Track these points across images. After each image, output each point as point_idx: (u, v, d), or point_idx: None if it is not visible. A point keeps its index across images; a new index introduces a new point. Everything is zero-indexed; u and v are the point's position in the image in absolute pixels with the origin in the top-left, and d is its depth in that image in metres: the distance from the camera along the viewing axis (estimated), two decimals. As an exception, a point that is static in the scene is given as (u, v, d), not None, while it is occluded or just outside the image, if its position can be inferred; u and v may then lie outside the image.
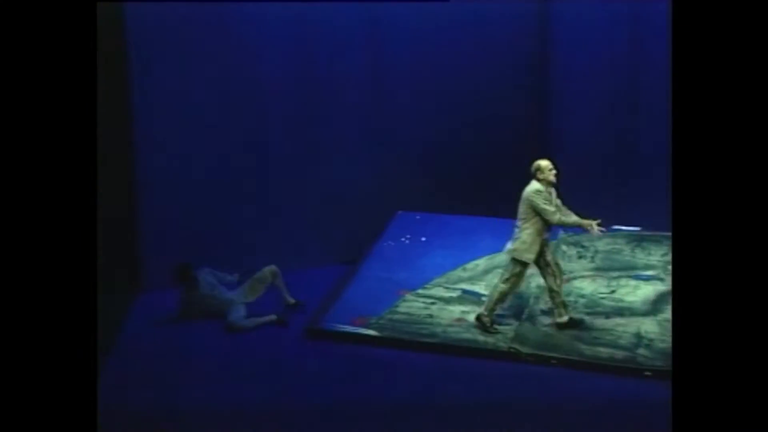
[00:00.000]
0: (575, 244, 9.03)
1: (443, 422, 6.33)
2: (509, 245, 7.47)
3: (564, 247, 8.95)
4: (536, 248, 7.27)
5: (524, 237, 7.29)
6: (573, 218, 7.30)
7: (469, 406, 6.56)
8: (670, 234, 8.78)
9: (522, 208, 7.27)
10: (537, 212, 7.19)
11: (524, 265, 7.38)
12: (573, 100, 9.69)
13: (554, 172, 7.21)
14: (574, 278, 8.37)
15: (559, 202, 7.34)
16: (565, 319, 7.46)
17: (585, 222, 7.26)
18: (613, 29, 9.49)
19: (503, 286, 7.42)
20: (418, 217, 9.67)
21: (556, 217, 7.19)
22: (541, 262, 7.37)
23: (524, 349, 7.25)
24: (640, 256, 8.74)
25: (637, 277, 8.30)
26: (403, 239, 9.34)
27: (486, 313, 7.46)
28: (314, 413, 6.48)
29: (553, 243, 8.71)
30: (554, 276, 7.43)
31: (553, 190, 7.27)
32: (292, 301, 8.15)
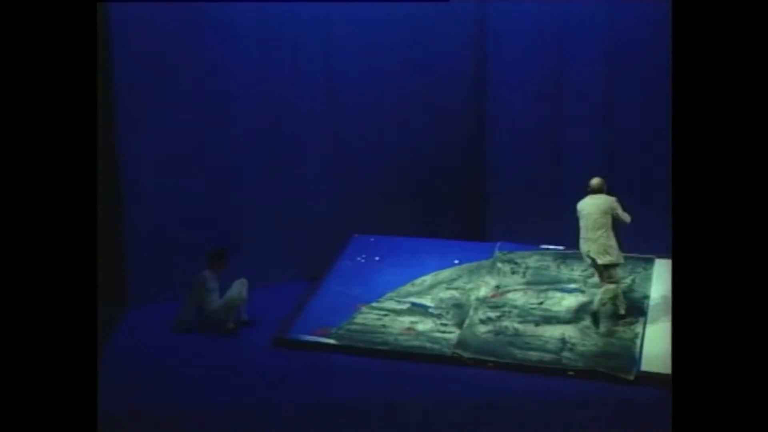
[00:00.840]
0: (509, 262, 9.28)
1: (394, 420, 6.59)
2: (594, 252, 7.89)
3: (499, 264, 9.21)
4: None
5: (611, 243, 7.86)
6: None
7: (418, 405, 6.83)
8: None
9: (601, 218, 7.82)
10: (614, 218, 7.85)
11: (618, 265, 7.95)
12: (506, 133, 10.17)
13: None
14: (508, 291, 8.71)
15: None
16: (622, 311, 7.97)
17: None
18: (542, 61, 9.94)
19: (612, 287, 7.91)
20: (372, 239, 9.95)
21: (629, 220, 7.95)
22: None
23: (466, 354, 7.63)
24: (565, 272, 8.98)
25: (562, 290, 8.60)
26: (359, 259, 9.64)
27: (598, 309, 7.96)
28: (281, 414, 6.68)
29: (489, 261, 9.31)
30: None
31: None
32: (245, 318, 8.48)
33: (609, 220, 7.90)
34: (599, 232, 7.89)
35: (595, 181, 8.08)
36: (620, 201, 8.03)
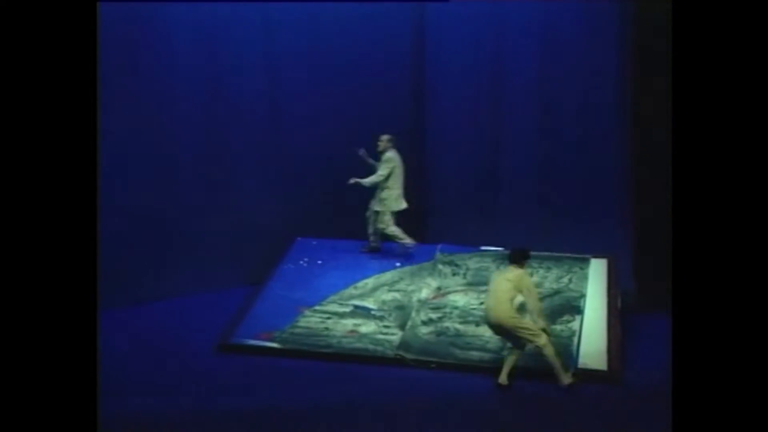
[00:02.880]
0: (450, 263, 9.38)
1: (339, 421, 6.68)
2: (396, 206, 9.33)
3: (440, 266, 9.31)
4: None
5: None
6: None
7: (361, 407, 6.93)
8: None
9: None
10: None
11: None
12: (446, 136, 10.35)
13: None
14: (449, 292, 8.81)
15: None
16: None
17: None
18: (480, 65, 10.09)
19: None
20: (314, 242, 10.02)
21: None
22: None
23: (408, 355, 7.79)
24: (504, 273, 9.15)
25: (502, 290, 8.81)
26: (301, 262, 9.69)
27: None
28: (226, 419, 6.72)
29: (430, 263, 9.42)
30: None
31: None
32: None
33: None
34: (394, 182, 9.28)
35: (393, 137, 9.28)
36: None
